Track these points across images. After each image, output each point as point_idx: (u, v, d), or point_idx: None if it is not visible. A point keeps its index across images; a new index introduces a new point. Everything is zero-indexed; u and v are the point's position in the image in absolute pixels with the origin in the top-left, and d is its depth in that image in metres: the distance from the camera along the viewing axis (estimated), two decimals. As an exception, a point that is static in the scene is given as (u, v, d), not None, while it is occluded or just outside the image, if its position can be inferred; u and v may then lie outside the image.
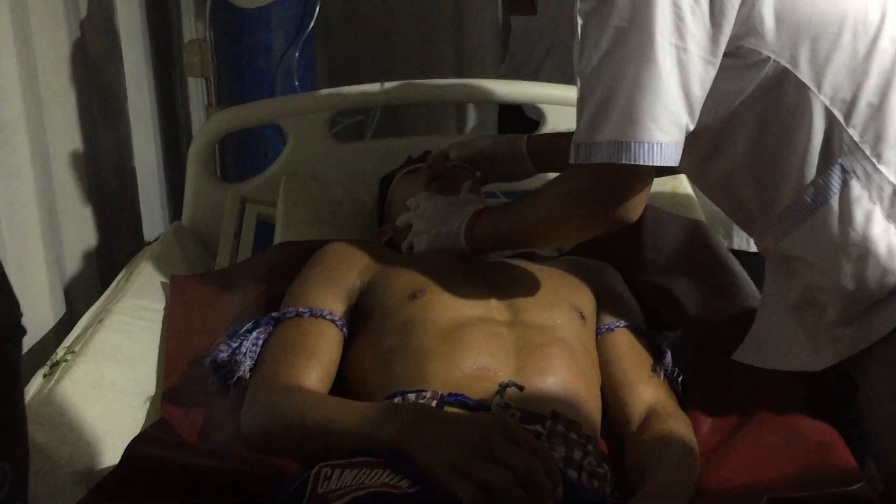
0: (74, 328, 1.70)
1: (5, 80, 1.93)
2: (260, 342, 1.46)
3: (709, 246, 1.92)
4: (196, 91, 3.14)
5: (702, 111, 1.33)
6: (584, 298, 1.61)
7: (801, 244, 1.38)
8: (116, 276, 1.96)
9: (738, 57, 1.33)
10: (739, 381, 1.50)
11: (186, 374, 1.55)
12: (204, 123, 2.57)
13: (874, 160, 1.31)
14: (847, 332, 1.37)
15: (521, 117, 2.66)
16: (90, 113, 2.46)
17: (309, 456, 1.21)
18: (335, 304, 1.52)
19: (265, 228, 2.19)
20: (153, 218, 2.92)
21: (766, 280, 1.53)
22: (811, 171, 1.34)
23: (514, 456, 1.05)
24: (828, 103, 1.32)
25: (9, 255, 1.87)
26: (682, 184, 2.20)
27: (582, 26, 1.34)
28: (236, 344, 1.46)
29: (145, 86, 2.89)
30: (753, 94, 1.35)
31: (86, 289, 2.34)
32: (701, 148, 1.41)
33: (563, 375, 1.40)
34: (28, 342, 0.98)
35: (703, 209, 2.15)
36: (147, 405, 1.53)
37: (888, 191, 1.31)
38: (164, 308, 1.78)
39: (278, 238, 2.03)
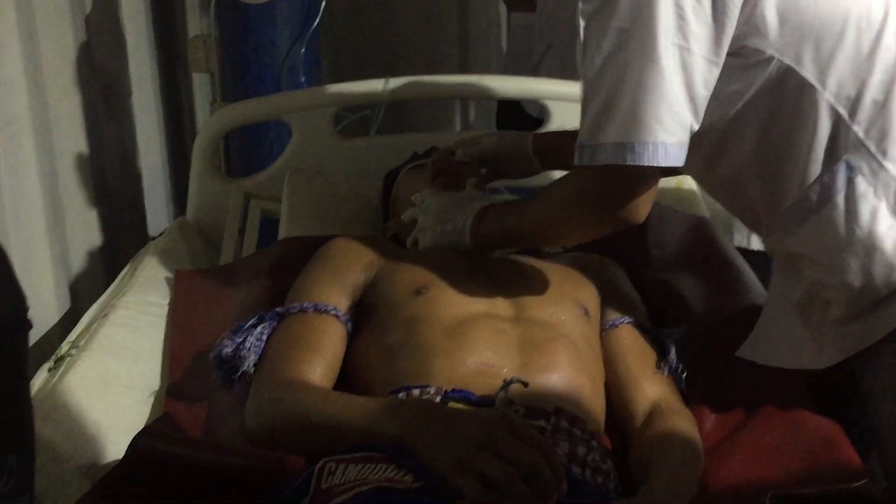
0: (79, 323, 1.70)
1: (10, 75, 1.93)
2: (264, 337, 1.46)
3: (713, 242, 1.92)
4: (201, 87, 3.14)
5: (706, 111, 1.33)
6: (589, 295, 1.61)
7: (807, 241, 1.38)
8: (121, 271, 1.96)
9: (741, 56, 1.33)
10: (743, 377, 1.50)
11: (191, 370, 1.55)
12: (208, 119, 2.57)
13: (879, 157, 1.31)
14: (852, 329, 1.37)
15: (520, 114, 2.66)
16: (95, 108, 2.46)
17: (313, 451, 1.22)
18: (339, 300, 1.52)
19: (269, 224, 2.19)
20: (157, 213, 2.93)
21: (773, 278, 1.53)
22: (816, 169, 1.34)
23: (518, 452, 1.05)
24: (832, 101, 1.32)
25: (14, 250, 1.87)
26: (687, 179, 2.20)
27: (584, 28, 1.34)
28: (240, 339, 1.46)
29: (150, 81, 2.89)
30: (757, 94, 1.35)
31: (90, 284, 2.35)
32: (706, 149, 1.41)
33: (567, 372, 1.40)
34: (33, 337, 0.98)
35: (706, 206, 2.15)
36: (151, 400, 1.53)
37: (893, 187, 1.31)
38: (169, 303, 1.79)
39: (283, 234, 2.03)
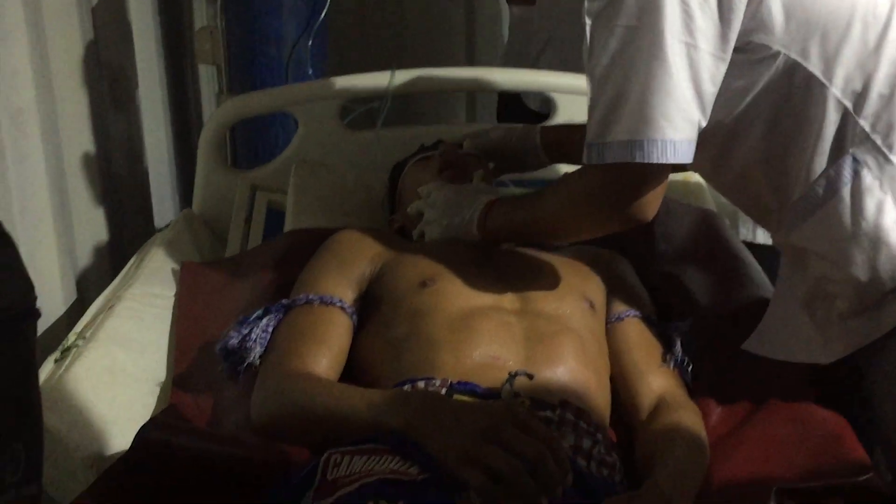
0: (85, 314, 1.70)
1: (18, 67, 1.93)
2: (270, 329, 1.46)
3: (720, 236, 1.91)
4: (207, 78, 3.14)
5: (713, 108, 1.33)
6: (595, 288, 1.61)
7: (813, 235, 1.38)
8: (127, 262, 1.96)
9: (747, 52, 1.33)
10: (749, 371, 1.49)
11: (196, 361, 1.56)
12: (215, 111, 2.58)
13: (885, 150, 1.31)
14: (858, 323, 1.37)
15: (520, 107, 2.66)
16: (101, 100, 2.46)
17: (318, 442, 1.22)
18: (345, 292, 1.52)
19: (275, 216, 2.19)
20: (164, 205, 2.93)
21: (780, 272, 1.53)
22: (822, 163, 1.34)
23: (524, 444, 1.05)
24: (839, 95, 1.32)
25: (20, 242, 1.86)
26: (694, 173, 2.20)
27: (590, 27, 1.34)
28: (246, 331, 1.46)
29: (156, 73, 2.89)
30: (764, 89, 1.35)
31: (96, 275, 2.35)
32: (714, 145, 1.41)
33: (573, 365, 1.40)
34: (39, 328, 0.99)
35: (712, 199, 2.14)
36: (157, 391, 1.54)
37: (900, 180, 1.31)
38: (175, 295, 1.79)
39: (289, 225, 2.03)
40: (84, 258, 2.35)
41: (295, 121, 2.29)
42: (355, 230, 1.67)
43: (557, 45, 2.61)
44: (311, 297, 1.49)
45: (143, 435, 1.19)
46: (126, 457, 1.17)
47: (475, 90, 3.37)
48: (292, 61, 2.65)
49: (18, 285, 0.93)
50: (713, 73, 1.31)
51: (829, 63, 1.31)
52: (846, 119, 1.32)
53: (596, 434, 1.31)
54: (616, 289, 1.63)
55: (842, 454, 1.32)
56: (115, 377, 1.49)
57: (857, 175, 1.32)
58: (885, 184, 1.31)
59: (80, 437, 1.32)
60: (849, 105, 1.31)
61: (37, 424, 0.96)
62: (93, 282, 2.30)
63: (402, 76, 2.23)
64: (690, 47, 1.28)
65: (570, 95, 2.26)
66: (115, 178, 2.56)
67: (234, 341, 1.45)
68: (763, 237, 2.19)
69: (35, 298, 0.95)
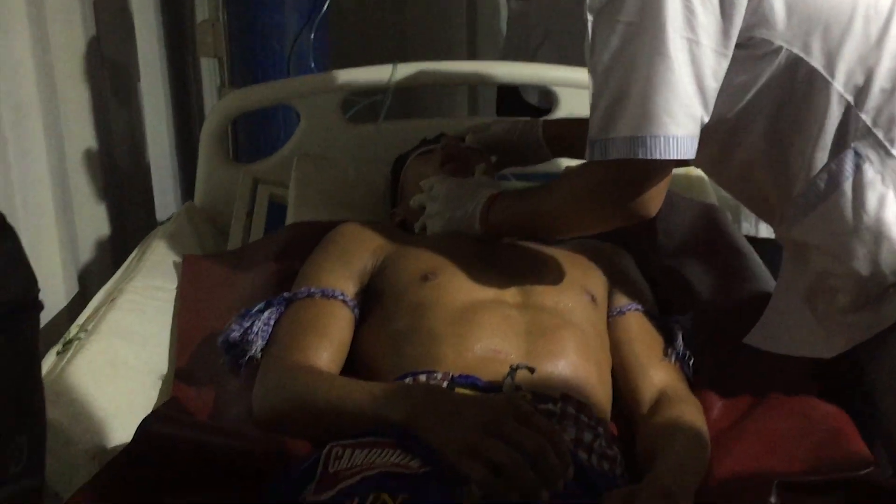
0: (87, 307, 1.70)
1: (19, 61, 1.93)
2: (272, 322, 1.46)
3: (722, 230, 1.91)
4: (209, 71, 3.14)
5: (716, 104, 1.33)
6: (596, 281, 1.61)
7: (815, 229, 1.38)
8: (128, 256, 1.96)
9: (749, 48, 1.33)
10: (750, 365, 1.50)
11: (198, 354, 1.56)
12: (217, 104, 2.57)
13: (887, 144, 1.31)
14: (859, 317, 1.37)
15: (519, 101, 2.66)
16: (103, 93, 2.46)
17: (320, 435, 1.22)
18: (347, 285, 1.52)
19: (277, 209, 2.19)
20: (165, 198, 2.93)
21: (782, 267, 1.53)
22: (824, 157, 1.34)
23: (525, 437, 1.06)
24: (841, 89, 1.32)
25: (22, 235, 1.86)
26: (695, 167, 2.20)
27: (592, 23, 1.34)
28: (248, 324, 1.46)
29: (158, 66, 2.88)
30: (767, 84, 1.35)
31: (98, 268, 2.35)
32: (717, 141, 1.41)
33: (574, 358, 1.40)
34: (41, 321, 0.99)
35: (714, 192, 2.14)
36: (159, 384, 1.54)
37: (902, 174, 1.31)
38: (177, 288, 1.79)
39: (290, 219, 2.03)
40: (86, 251, 2.35)
41: (297, 114, 2.29)
42: (357, 223, 1.67)
43: (555, 39, 2.61)
44: (312, 290, 1.49)
45: (144, 428, 1.19)
46: (128, 449, 1.18)
47: (477, 84, 3.37)
48: (294, 54, 2.64)
49: (21, 277, 0.93)
50: (715, 68, 1.31)
51: (831, 58, 1.31)
52: (848, 113, 1.32)
53: (597, 427, 1.31)
54: (617, 282, 1.63)
55: (843, 448, 1.32)
56: (117, 370, 1.49)
57: (858, 169, 1.32)
58: (887, 178, 1.31)
59: (81, 429, 1.32)
60: (850, 99, 1.32)
61: (39, 416, 0.96)
62: (94, 275, 2.30)
63: (404, 70, 2.23)
64: (692, 43, 1.28)
65: (573, 89, 2.26)
66: (117, 171, 2.56)
67: (235, 334, 1.45)
68: (765, 231, 2.19)
69: (38, 291, 0.95)
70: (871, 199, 1.31)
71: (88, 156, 2.36)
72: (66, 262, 2.13)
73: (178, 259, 1.89)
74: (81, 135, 2.33)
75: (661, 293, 1.69)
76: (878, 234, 1.31)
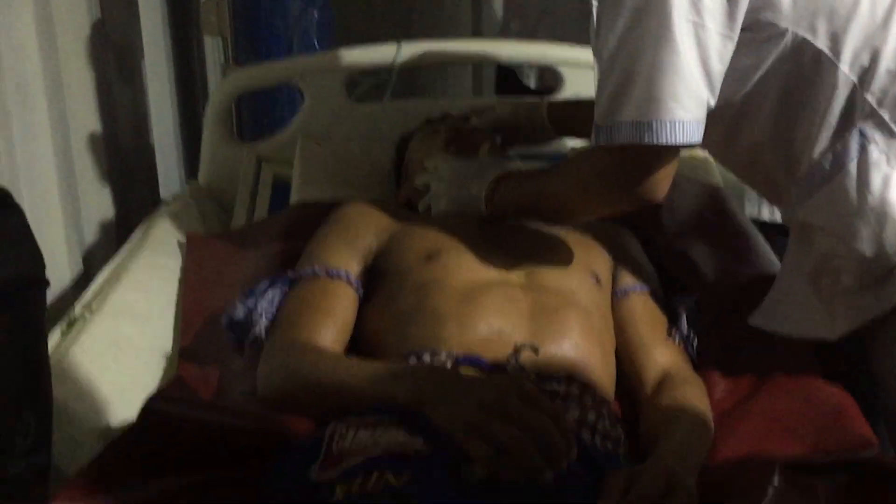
0: (91, 285, 1.70)
1: (23, 40, 1.93)
2: (276, 301, 1.46)
3: (726, 211, 1.91)
4: (213, 50, 3.13)
5: (722, 87, 1.33)
6: (601, 262, 1.60)
7: (819, 210, 1.37)
8: (132, 234, 1.96)
9: (755, 30, 1.32)
10: (754, 346, 1.50)
11: (203, 333, 1.56)
12: (221, 83, 2.57)
13: (892, 125, 1.31)
14: (863, 298, 1.37)
15: (517, 83, 2.65)
16: (107, 72, 2.45)
17: (323, 414, 1.22)
18: (351, 265, 1.52)
19: (281, 188, 2.19)
20: (169, 177, 2.92)
21: (787, 248, 1.52)
22: (829, 138, 1.34)
23: (529, 417, 1.05)
24: (847, 71, 1.31)
25: (27, 213, 1.88)
26: (700, 147, 2.19)
27: (597, 7, 1.34)
28: (252, 303, 1.46)
29: (162, 45, 2.87)
30: (773, 67, 1.34)
31: (103, 248, 2.35)
32: (723, 124, 1.40)
33: (578, 339, 1.40)
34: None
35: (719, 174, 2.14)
36: (164, 363, 1.54)
37: (907, 156, 1.30)
38: (181, 266, 1.79)
39: (294, 198, 2.02)
40: (90, 231, 2.35)
41: (301, 93, 2.28)
42: (361, 203, 1.66)
43: (552, 20, 2.60)
44: (316, 269, 1.49)
45: (149, 406, 1.19)
46: (132, 428, 1.18)
47: (481, 62, 3.36)
48: (298, 33, 2.64)
49: (28, 255, 0.93)
50: (721, 52, 1.30)
51: (837, 39, 1.31)
52: (854, 94, 1.32)
53: (600, 408, 1.31)
54: (622, 263, 1.63)
55: (846, 429, 1.32)
56: (122, 349, 1.50)
57: (863, 150, 1.31)
58: (892, 158, 1.31)
59: (86, 408, 1.33)
60: (856, 81, 1.31)
61: (46, 392, 0.97)
62: (99, 254, 2.30)
63: (409, 49, 2.22)
64: (698, 27, 1.27)
65: (577, 70, 2.25)
66: (121, 150, 2.55)
67: (239, 313, 1.45)
68: (768, 213, 2.19)
69: (44, 267, 0.95)
70: (876, 180, 1.31)
71: (92, 135, 2.36)
72: (71, 242, 2.13)
73: (183, 238, 1.89)
74: (85, 114, 2.33)
75: (666, 274, 1.69)
76: (883, 215, 1.31)
